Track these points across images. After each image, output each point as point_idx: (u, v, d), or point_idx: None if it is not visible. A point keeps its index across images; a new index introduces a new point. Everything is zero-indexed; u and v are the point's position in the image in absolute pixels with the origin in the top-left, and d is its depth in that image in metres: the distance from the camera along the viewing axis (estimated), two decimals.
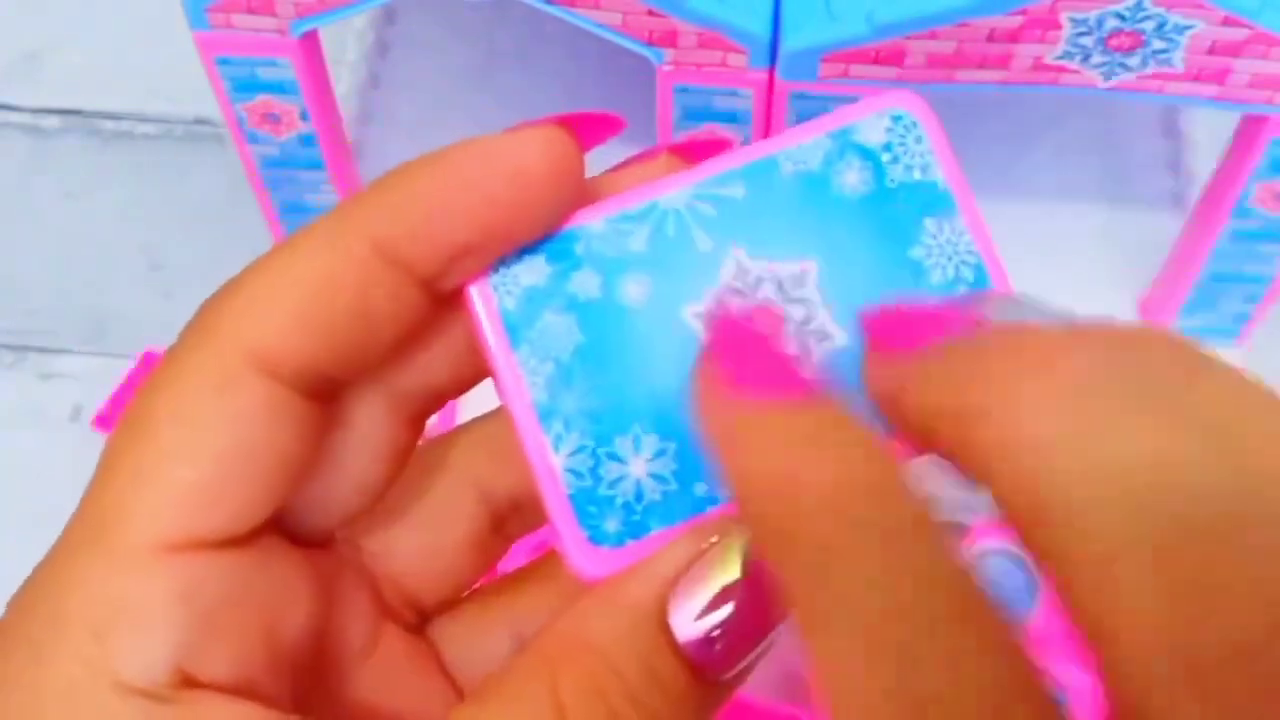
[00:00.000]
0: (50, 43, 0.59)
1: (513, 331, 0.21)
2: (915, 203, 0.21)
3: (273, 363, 0.19)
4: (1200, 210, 0.46)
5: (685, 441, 0.21)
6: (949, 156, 0.22)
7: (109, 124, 0.57)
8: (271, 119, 0.45)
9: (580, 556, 0.20)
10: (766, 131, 0.42)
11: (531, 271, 0.21)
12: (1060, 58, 0.38)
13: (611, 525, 0.20)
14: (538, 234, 0.21)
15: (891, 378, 0.18)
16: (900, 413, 0.18)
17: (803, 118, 0.41)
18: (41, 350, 0.53)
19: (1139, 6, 0.36)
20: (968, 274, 0.21)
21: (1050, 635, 0.43)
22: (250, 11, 0.41)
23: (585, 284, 0.21)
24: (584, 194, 0.21)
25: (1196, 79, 0.39)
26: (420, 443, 0.23)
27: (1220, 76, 0.39)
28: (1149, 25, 0.37)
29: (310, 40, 0.42)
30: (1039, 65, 0.38)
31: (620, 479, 0.20)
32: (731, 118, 0.42)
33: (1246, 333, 0.49)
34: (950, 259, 0.21)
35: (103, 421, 0.49)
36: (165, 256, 0.55)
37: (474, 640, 0.24)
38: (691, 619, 0.19)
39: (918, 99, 0.22)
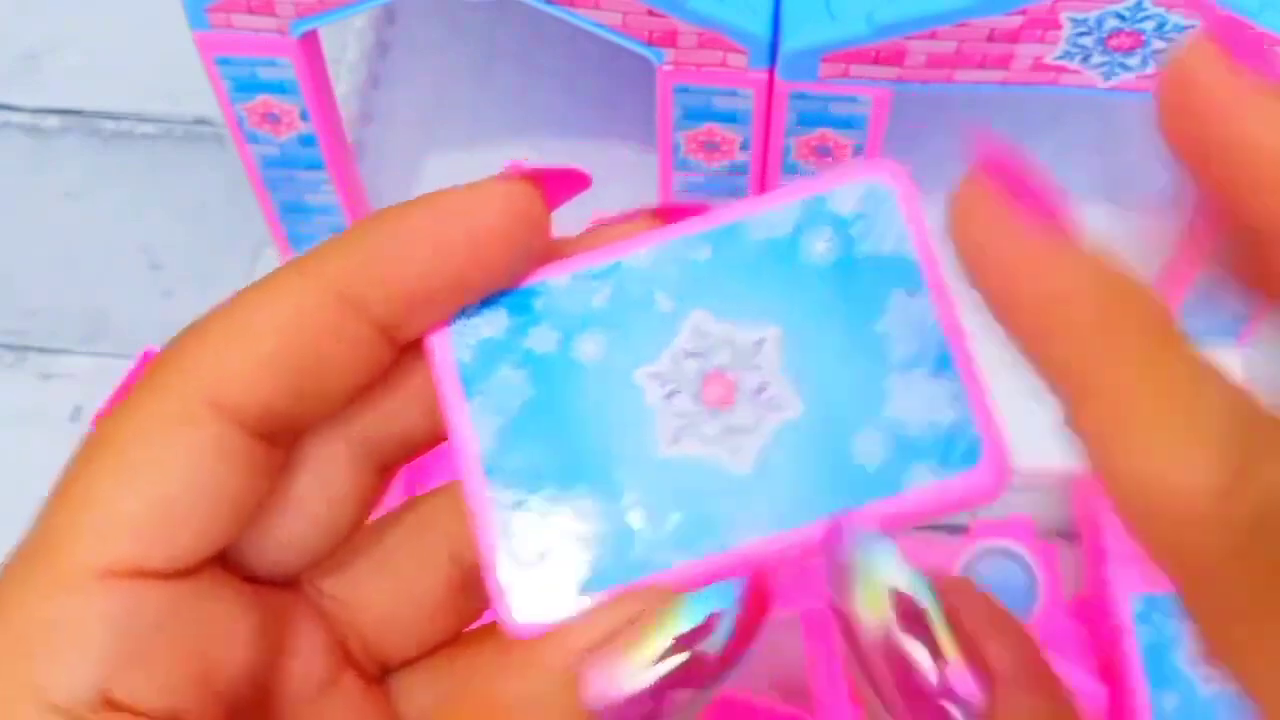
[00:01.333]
0: (50, 43, 0.59)
1: (467, 383, 0.21)
2: (883, 276, 0.21)
3: (231, 406, 0.20)
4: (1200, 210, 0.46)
5: (626, 505, 0.20)
6: (922, 230, 0.21)
7: (109, 124, 0.57)
8: (271, 119, 0.45)
9: (511, 614, 0.20)
10: (766, 131, 0.42)
11: (491, 324, 0.21)
12: (1060, 58, 0.38)
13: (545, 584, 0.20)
14: (498, 287, 0.21)
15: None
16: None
17: (803, 118, 0.41)
18: (41, 350, 0.53)
19: (1139, 6, 0.36)
20: (931, 351, 0.20)
21: (1051, 635, 0.43)
22: (250, 11, 0.41)
23: (542, 339, 0.21)
24: (552, 248, 0.21)
25: None
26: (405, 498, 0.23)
27: None
28: (1149, 25, 0.37)
29: (310, 40, 0.42)
30: (1039, 65, 0.38)
31: (559, 539, 0.20)
32: (731, 118, 0.42)
33: (1247, 333, 0.49)
34: (916, 335, 0.21)
35: None
36: (165, 256, 0.55)
37: (432, 696, 0.24)
38: (607, 687, 0.18)
39: (898, 169, 0.21)
